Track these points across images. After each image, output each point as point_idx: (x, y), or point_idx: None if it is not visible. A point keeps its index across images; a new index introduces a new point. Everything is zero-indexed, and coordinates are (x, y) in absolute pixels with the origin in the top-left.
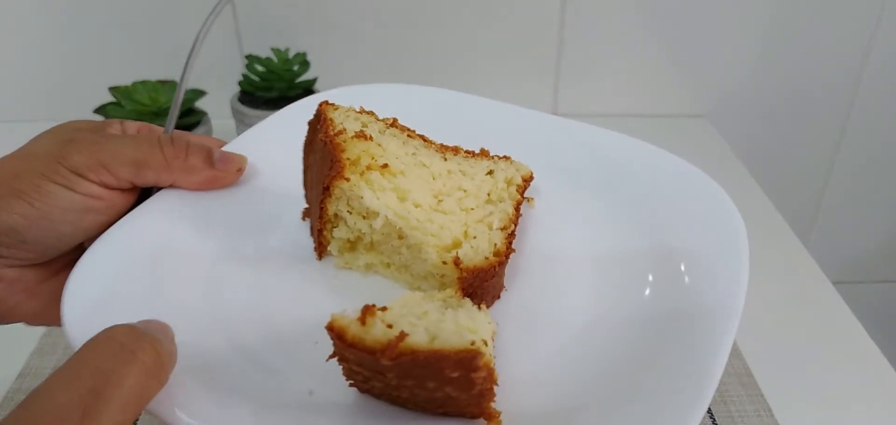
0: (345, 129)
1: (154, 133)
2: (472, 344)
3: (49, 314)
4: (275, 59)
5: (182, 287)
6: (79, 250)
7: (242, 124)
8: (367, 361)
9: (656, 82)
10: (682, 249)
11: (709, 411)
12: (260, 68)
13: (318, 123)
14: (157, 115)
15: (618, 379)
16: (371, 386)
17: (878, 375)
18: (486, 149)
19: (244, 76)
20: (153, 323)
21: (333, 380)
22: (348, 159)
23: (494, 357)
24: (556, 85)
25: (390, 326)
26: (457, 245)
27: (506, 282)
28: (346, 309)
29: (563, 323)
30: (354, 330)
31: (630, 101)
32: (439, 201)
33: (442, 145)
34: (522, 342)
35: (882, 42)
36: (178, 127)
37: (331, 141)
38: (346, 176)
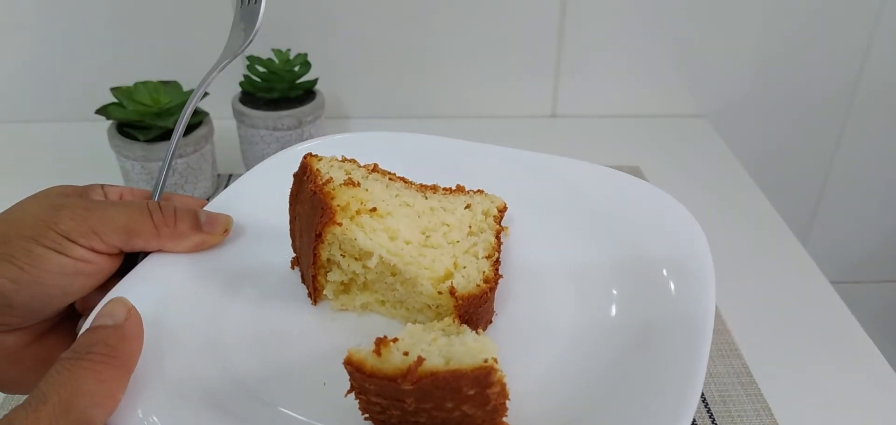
0: (332, 178)
1: (141, 198)
2: (486, 361)
3: (29, 381)
4: (276, 60)
5: (185, 347)
6: (61, 315)
7: (243, 125)
8: (388, 389)
9: (656, 83)
10: (651, 262)
11: (709, 411)
12: (261, 69)
13: (305, 175)
14: (159, 116)
15: (610, 387)
16: (389, 416)
17: (877, 375)
18: (461, 184)
19: (245, 77)
20: (103, 311)
21: (345, 418)
22: (338, 205)
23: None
24: (555, 85)
25: (406, 353)
26: (449, 276)
27: (495, 306)
28: (360, 343)
29: (554, 338)
30: (372, 361)
31: (630, 101)
32: (427, 237)
33: (421, 185)
34: (519, 361)
35: (880, 44)
36: None
37: (320, 190)
38: (339, 221)
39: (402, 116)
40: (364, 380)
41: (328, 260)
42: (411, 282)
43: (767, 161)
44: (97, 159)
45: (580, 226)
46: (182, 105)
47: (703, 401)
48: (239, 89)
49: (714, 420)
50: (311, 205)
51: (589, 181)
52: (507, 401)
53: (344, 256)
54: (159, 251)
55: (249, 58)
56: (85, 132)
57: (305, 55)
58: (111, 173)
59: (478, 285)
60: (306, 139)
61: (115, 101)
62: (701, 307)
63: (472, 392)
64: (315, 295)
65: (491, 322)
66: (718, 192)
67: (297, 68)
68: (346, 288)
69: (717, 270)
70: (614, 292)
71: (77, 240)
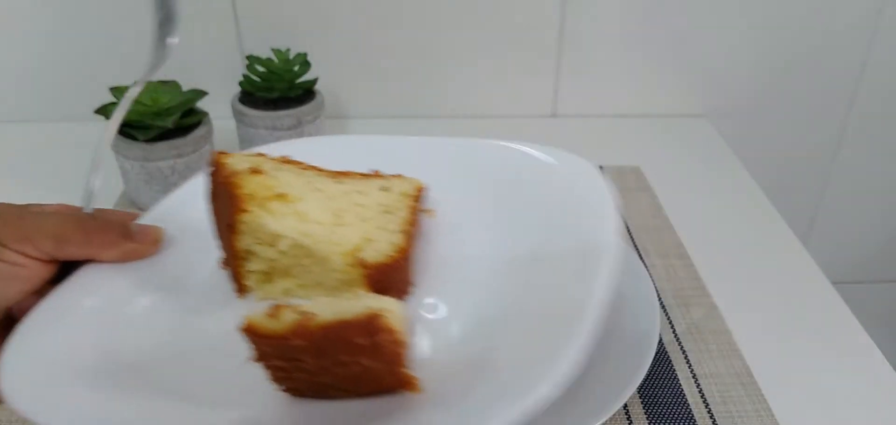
0: (239, 170)
1: (74, 210)
2: (369, 308)
3: None
4: (275, 60)
5: (115, 345)
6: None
7: (242, 124)
8: (285, 350)
9: (656, 82)
10: (555, 215)
11: (709, 411)
12: (260, 69)
13: (215, 171)
14: (158, 115)
15: (511, 328)
16: (297, 380)
17: (878, 375)
18: (377, 170)
19: (245, 76)
20: None
21: (265, 398)
22: (246, 194)
23: (406, 333)
24: (556, 85)
25: (300, 313)
26: (359, 249)
27: (415, 280)
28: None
29: (467, 297)
30: (267, 323)
31: (630, 100)
32: (338, 217)
33: (335, 172)
34: (430, 319)
35: (882, 42)
36: (179, 126)
37: (227, 181)
38: (246, 208)
39: (401, 116)
40: (262, 344)
41: (246, 250)
42: (323, 260)
43: (768, 161)
44: None
45: (499, 198)
46: (181, 105)
47: (704, 402)
48: (238, 89)
49: (714, 420)
50: (223, 199)
51: (504, 159)
52: (405, 351)
53: (260, 244)
54: (91, 260)
55: (249, 57)
56: (85, 132)
57: (305, 55)
58: (111, 173)
59: (389, 255)
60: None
61: (115, 101)
62: (598, 240)
63: (363, 341)
64: (240, 288)
65: (407, 292)
66: (718, 192)
67: (296, 68)
68: (267, 277)
69: (717, 270)
70: (528, 248)
71: (8, 245)
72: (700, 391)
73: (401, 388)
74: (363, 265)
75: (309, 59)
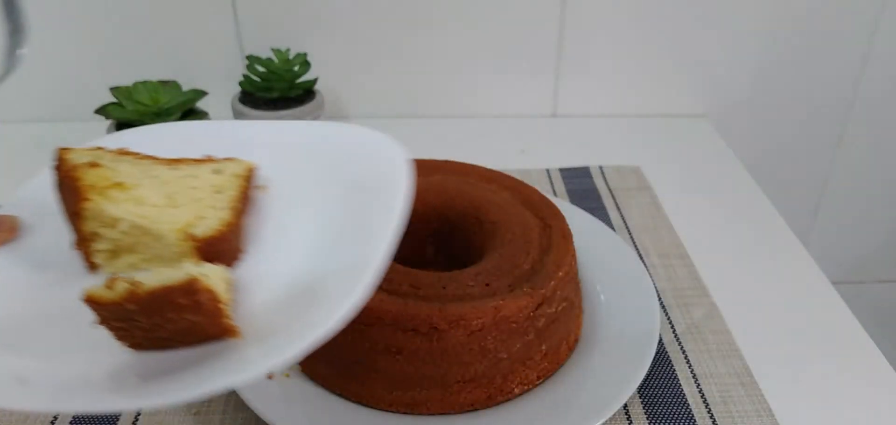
0: (79, 164)
1: None
2: (188, 274)
3: None
4: (275, 60)
5: None
6: None
7: None
8: (121, 313)
9: (656, 82)
10: (367, 188)
11: (709, 411)
12: (260, 69)
13: (58, 166)
14: (158, 115)
15: (327, 277)
16: (136, 336)
17: (878, 375)
18: (209, 155)
19: (245, 76)
20: None
21: (112, 354)
22: (87, 185)
23: (227, 293)
24: (555, 85)
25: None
26: (190, 225)
27: (245, 246)
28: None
29: (289, 256)
30: (104, 293)
31: (630, 101)
32: (172, 199)
33: (171, 160)
34: (255, 275)
35: (882, 42)
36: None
37: (68, 175)
38: (88, 197)
39: (401, 116)
40: (102, 310)
41: (92, 232)
42: (159, 237)
43: (768, 161)
44: None
45: (320, 168)
46: (181, 105)
47: (704, 402)
48: (238, 89)
49: (714, 420)
50: (68, 190)
51: (324, 134)
52: (225, 306)
53: (104, 227)
54: None
55: (249, 57)
56: (84, 132)
57: (305, 55)
58: None
59: (217, 229)
60: None
61: (115, 100)
62: (392, 192)
63: (185, 302)
64: (90, 265)
65: (237, 257)
66: (718, 192)
67: (296, 68)
68: (114, 254)
69: (717, 270)
70: (342, 205)
71: None
72: (700, 391)
73: (225, 336)
74: (194, 239)
75: (309, 59)
